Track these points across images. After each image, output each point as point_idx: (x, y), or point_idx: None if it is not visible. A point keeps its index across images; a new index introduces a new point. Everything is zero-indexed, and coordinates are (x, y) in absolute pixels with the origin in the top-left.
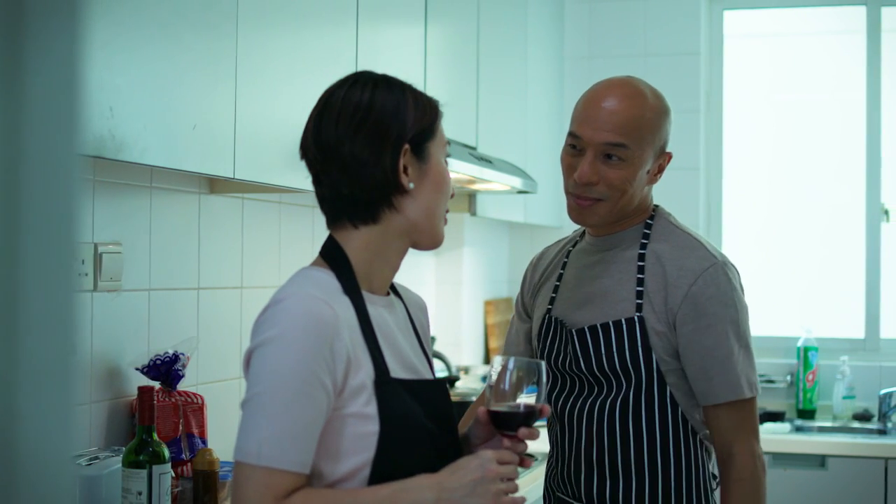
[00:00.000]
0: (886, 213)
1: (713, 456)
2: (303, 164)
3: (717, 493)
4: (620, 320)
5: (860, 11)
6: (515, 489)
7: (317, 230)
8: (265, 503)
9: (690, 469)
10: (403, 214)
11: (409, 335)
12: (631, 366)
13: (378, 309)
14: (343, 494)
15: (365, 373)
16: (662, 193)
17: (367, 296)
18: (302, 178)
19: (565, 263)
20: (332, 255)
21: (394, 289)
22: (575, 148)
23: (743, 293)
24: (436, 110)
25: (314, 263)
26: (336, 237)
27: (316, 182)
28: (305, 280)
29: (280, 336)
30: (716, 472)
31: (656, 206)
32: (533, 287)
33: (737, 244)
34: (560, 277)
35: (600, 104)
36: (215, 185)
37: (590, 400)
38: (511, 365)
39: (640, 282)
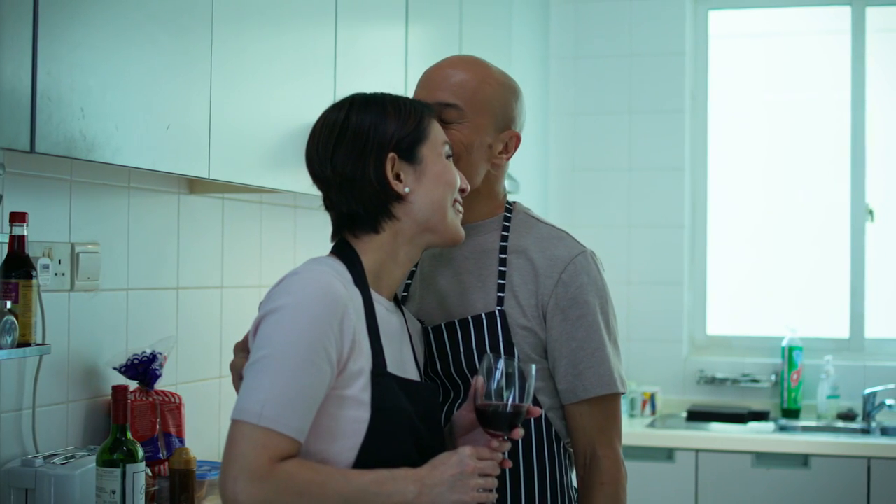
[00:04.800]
0: (871, 213)
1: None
2: (280, 163)
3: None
4: (480, 315)
5: (845, 11)
6: (493, 485)
7: (298, 230)
8: (260, 462)
9: (555, 478)
10: (409, 218)
11: (405, 344)
12: None
13: (381, 308)
14: (333, 470)
15: (365, 360)
16: (648, 193)
17: (373, 294)
18: (278, 178)
19: (417, 262)
20: (345, 252)
21: (397, 303)
22: None
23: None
24: (421, 114)
25: (328, 257)
26: (348, 240)
27: (326, 205)
28: (321, 263)
29: (293, 304)
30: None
31: (513, 201)
32: None
33: (722, 244)
34: (412, 276)
35: (440, 67)
36: (195, 185)
37: (445, 406)
38: (500, 364)
39: (502, 275)
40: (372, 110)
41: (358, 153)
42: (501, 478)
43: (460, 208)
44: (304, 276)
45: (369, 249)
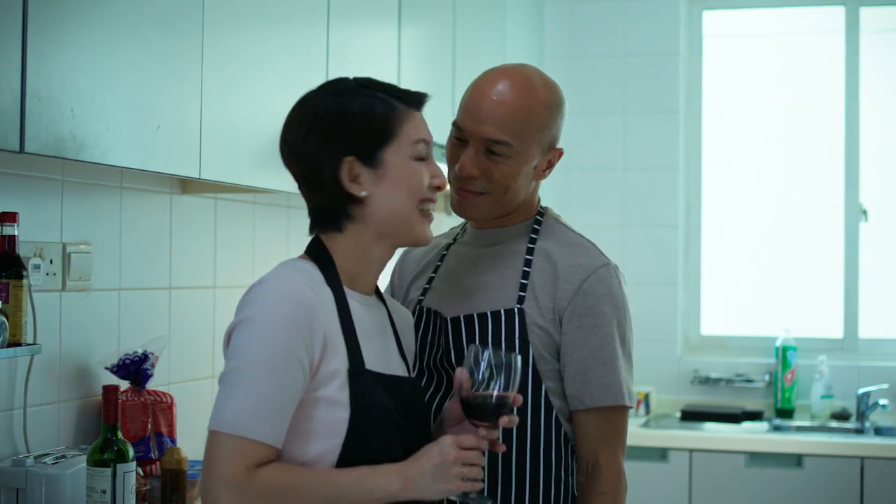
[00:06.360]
0: (865, 213)
1: None
2: (272, 163)
3: None
4: (499, 311)
5: (839, 11)
6: (478, 474)
7: (291, 229)
8: (236, 471)
9: (560, 476)
10: (366, 223)
11: (388, 338)
12: None
13: (357, 305)
14: (313, 471)
15: (340, 360)
16: (642, 193)
17: (348, 291)
18: (270, 178)
19: (444, 256)
20: (317, 252)
21: (380, 295)
22: (460, 139)
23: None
24: (389, 115)
25: (299, 258)
26: (321, 237)
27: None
28: (289, 267)
29: (261, 313)
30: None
31: (545, 206)
32: (403, 288)
33: (716, 244)
34: (436, 269)
35: (487, 94)
36: (187, 185)
37: (449, 398)
38: (485, 356)
39: (525, 275)
40: (340, 102)
41: (320, 151)
42: (507, 473)
43: (432, 207)
44: (269, 284)
45: (339, 248)
